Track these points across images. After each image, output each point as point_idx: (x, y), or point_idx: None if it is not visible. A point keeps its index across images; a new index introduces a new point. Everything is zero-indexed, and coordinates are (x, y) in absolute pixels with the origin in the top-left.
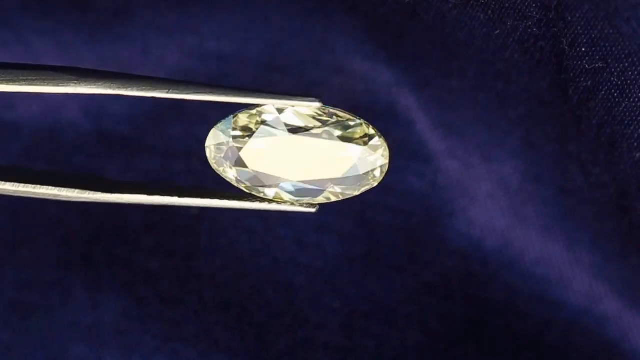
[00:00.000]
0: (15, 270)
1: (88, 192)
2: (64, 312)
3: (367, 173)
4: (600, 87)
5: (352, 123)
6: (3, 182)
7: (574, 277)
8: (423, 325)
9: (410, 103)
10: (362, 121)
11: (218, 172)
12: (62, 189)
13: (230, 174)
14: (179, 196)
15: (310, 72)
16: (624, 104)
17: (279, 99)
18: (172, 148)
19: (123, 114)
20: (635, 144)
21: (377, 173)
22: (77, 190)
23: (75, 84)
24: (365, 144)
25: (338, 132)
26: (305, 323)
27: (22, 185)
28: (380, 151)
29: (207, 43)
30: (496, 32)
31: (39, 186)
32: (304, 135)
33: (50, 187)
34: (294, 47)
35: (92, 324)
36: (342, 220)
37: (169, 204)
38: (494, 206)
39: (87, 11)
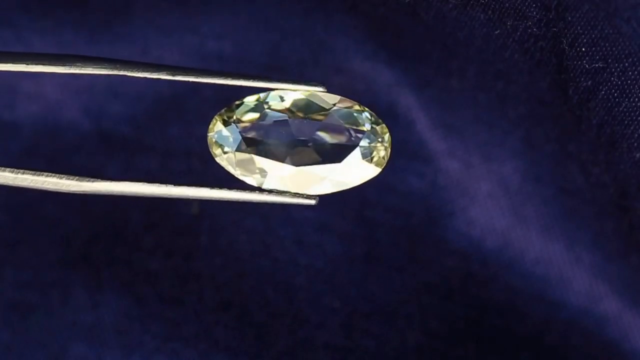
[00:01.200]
0: (15, 270)
1: (87, 180)
2: (64, 312)
3: (369, 160)
4: (600, 87)
5: (354, 110)
6: (3, 168)
7: (574, 277)
8: (423, 325)
9: (410, 103)
10: (364, 108)
11: (219, 161)
12: (62, 175)
13: (231, 160)
14: (179, 187)
15: (310, 72)
16: (624, 104)
17: (283, 83)
18: (172, 148)
19: (123, 114)
20: (635, 144)
21: (379, 161)
22: (76, 178)
23: (82, 65)
24: (368, 131)
25: (341, 119)
26: (305, 323)
27: (21, 171)
28: (383, 139)
29: (207, 43)
30: (496, 32)
31: (38, 172)
32: (307, 121)
33: (49, 174)
34: (294, 47)
35: (92, 324)
36: (342, 220)
37: (168, 195)
38: (494, 206)
39: (87, 11)
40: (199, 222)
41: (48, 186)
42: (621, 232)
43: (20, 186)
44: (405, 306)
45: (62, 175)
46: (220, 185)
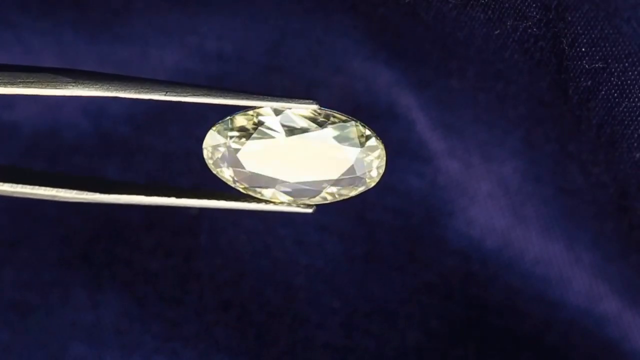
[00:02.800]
0: (15, 270)
1: (86, 192)
2: (64, 311)
3: (363, 174)
4: (600, 87)
5: (348, 124)
6: (1, 183)
7: (574, 277)
8: (423, 325)
9: (410, 103)
10: (358, 122)
11: (215, 173)
12: (60, 189)
13: (227, 175)
14: (177, 196)
15: (310, 72)
16: (624, 104)
17: (276, 101)
18: (172, 148)
19: (122, 114)
20: (635, 144)
21: (374, 174)
22: (74, 191)
23: (73, 86)
24: (362, 145)
25: (335, 134)
26: (305, 323)
27: (19, 185)
28: (377, 152)
29: (207, 43)
30: (496, 32)
31: (36, 187)
32: (301, 136)
33: (48, 188)
34: (294, 47)
35: (92, 323)
36: (342, 220)
37: (167, 204)
38: (494, 206)
39: (87, 11)
40: (199, 222)
41: (46, 198)
42: (621, 232)
43: (18, 197)
44: (405, 306)
45: (60, 190)
46: (218, 194)
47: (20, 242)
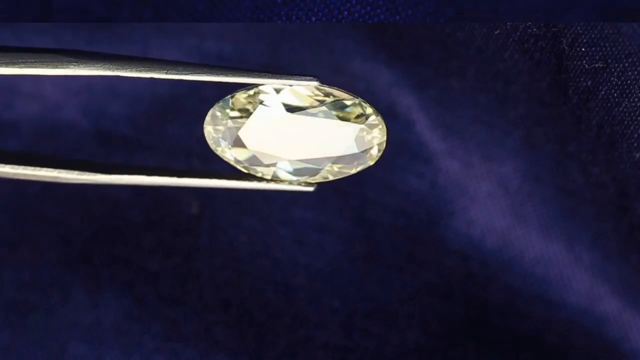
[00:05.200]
0: (15, 269)
1: (87, 173)
2: (64, 311)
3: (364, 151)
4: (600, 87)
5: (349, 102)
6: (3, 165)
7: (574, 277)
8: (423, 325)
9: (410, 103)
10: (359, 100)
11: (216, 153)
12: (62, 170)
13: (228, 154)
14: (178, 177)
15: (310, 72)
16: (624, 104)
17: (277, 78)
18: (171, 148)
19: (122, 114)
20: (635, 144)
21: (375, 151)
22: (76, 172)
23: (75, 65)
24: (362, 122)
25: (335, 111)
26: (305, 323)
27: (21, 167)
28: (377, 129)
29: (207, 43)
30: (496, 32)
31: (38, 168)
32: (302, 114)
33: (49, 169)
34: (293, 47)
35: (92, 323)
36: (342, 220)
37: (168, 185)
38: (494, 206)
39: None
40: (199, 222)
41: (47, 179)
42: (621, 232)
43: (20, 179)
44: (405, 306)
45: (62, 171)
46: (218, 174)
47: (20, 242)
